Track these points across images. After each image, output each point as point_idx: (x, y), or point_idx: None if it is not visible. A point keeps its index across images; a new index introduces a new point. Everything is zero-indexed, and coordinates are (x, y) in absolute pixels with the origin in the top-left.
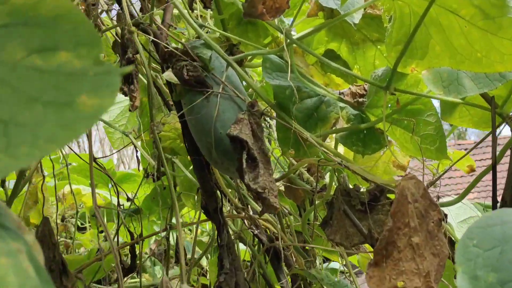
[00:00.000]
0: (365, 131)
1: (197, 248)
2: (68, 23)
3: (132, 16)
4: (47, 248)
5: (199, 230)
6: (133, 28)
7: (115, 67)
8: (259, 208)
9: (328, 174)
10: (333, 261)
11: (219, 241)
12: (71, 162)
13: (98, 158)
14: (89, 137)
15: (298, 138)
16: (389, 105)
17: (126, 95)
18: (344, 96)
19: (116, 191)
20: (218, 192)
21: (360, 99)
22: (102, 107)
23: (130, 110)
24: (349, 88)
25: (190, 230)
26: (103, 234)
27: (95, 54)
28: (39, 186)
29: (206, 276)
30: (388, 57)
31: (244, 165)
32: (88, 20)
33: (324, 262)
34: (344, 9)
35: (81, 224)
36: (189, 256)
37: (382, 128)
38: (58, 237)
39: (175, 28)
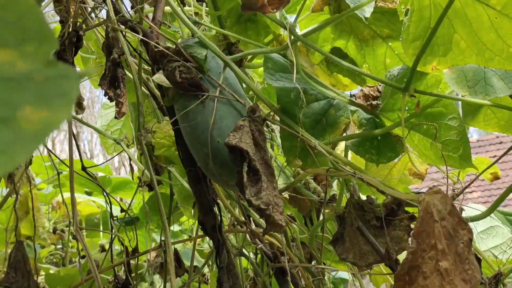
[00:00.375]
0: (379, 138)
1: (199, 257)
2: (12, 13)
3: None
4: (21, 276)
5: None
6: (118, 26)
7: (72, 69)
8: (262, 221)
9: (336, 183)
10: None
11: (218, 262)
12: (63, 170)
13: (89, 167)
14: (70, 145)
15: (305, 146)
16: (407, 108)
17: (111, 100)
18: (355, 99)
19: (109, 201)
20: (217, 205)
21: (374, 102)
22: (54, 121)
23: (116, 118)
24: (361, 90)
25: (190, 235)
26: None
27: (45, 52)
28: (30, 196)
29: (207, 284)
30: (405, 54)
31: (245, 179)
32: (38, 8)
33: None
34: (352, 2)
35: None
36: (188, 264)
37: (398, 133)
38: (54, 247)
39: (169, 27)
